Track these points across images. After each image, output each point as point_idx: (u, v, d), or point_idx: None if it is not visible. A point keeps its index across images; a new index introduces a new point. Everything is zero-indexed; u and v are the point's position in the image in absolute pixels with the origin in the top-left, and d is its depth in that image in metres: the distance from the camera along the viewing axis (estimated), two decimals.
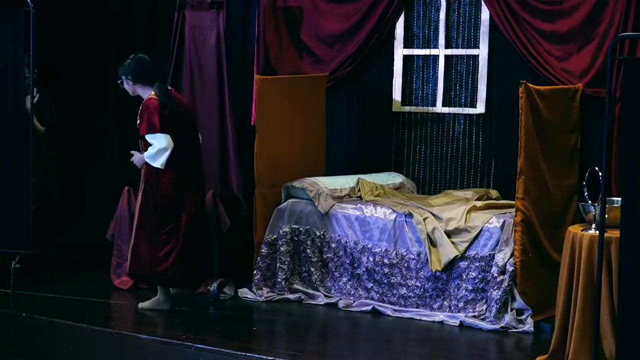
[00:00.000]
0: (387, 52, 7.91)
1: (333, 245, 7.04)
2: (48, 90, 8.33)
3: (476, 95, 7.59)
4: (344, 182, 7.36)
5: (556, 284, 5.58)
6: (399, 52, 7.87)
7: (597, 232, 5.13)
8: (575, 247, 5.34)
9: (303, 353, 5.91)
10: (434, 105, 7.79)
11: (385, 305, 6.80)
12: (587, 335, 5.20)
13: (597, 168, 5.41)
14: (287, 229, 7.18)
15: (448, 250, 6.55)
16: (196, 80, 7.90)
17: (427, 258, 6.62)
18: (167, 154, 6.59)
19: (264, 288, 7.18)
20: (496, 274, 6.38)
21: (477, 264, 6.50)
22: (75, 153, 9.04)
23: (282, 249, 7.17)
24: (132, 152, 6.77)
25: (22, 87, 7.20)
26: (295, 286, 7.18)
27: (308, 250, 7.14)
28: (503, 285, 6.35)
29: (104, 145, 8.90)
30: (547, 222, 6.56)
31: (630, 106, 4.79)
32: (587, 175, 5.45)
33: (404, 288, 6.76)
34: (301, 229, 7.16)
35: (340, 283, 7.03)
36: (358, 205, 7.05)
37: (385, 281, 6.82)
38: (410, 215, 6.77)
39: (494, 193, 7.33)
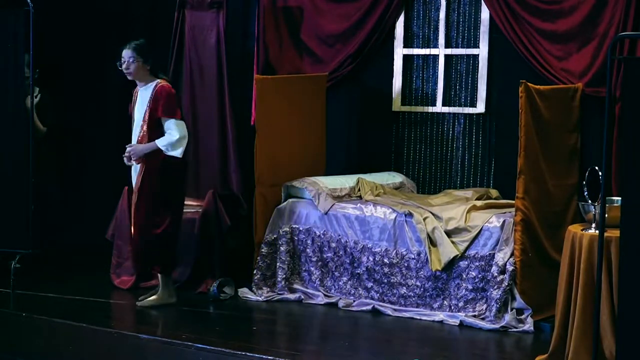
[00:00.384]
0: (387, 52, 7.91)
1: (333, 244, 7.04)
2: (48, 90, 8.32)
3: (476, 95, 7.59)
4: (344, 182, 7.36)
5: (556, 283, 5.58)
6: (399, 51, 7.88)
7: (597, 231, 5.13)
8: (575, 246, 5.34)
9: (303, 353, 5.91)
10: (433, 105, 7.79)
11: (385, 304, 6.80)
12: (587, 335, 5.20)
13: (597, 168, 5.41)
14: (287, 229, 7.18)
15: (448, 250, 6.55)
16: (196, 80, 7.90)
17: (427, 258, 6.62)
18: (186, 142, 6.62)
19: (264, 288, 7.18)
20: (496, 274, 6.39)
21: (477, 264, 6.51)
22: (75, 153, 9.04)
23: (282, 248, 7.17)
24: (128, 146, 6.70)
25: (22, 87, 7.20)
26: (295, 286, 7.18)
27: (308, 250, 7.14)
28: (503, 285, 6.35)
29: (104, 145, 8.89)
30: (547, 221, 6.56)
31: (630, 106, 4.79)
32: (587, 174, 5.45)
33: (404, 288, 6.76)
34: (301, 228, 7.16)
35: (340, 283, 7.03)
36: (358, 205, 7.05)
37: (385, 281, 6.82)
38: (410, 214, 6.77)
39: (494, 193, 7.33)
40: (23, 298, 7.05)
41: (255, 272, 7.20)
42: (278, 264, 7.18)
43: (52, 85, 8.48)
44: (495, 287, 6.38)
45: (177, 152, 6.65)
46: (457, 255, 6.54)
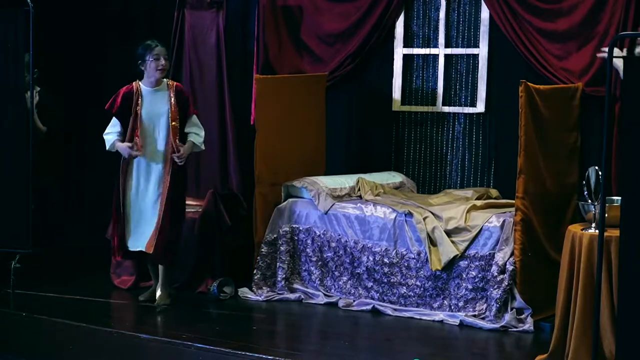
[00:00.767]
0: (387, 52, 7.91)
1: (333, 244, 7.04)
2: (48, 90, 8.32)
3: (476, 95, 7.60)
4: (344, 182, 7.36)
5: (556, 283, 5.58)
6: (399, 51, 7.87)
7: (597, 231, 5.13)
8: (575, 246, 5.34)
9: (303, 353, 5.91)
10: (434, 104, 7.79)
11: (385, 304, 6.79)
12: (587, 335, 5.20)
13: (596, 167, 5.41)
14: (287, 228, 7.18)
15: (448, 250, 6.55)
16: (196, 80, 7.91)
17: (427, 257, 6.62)
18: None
19: (264, 287, 7.18)
20: (496, 273, 6.38)
21: (477, 263, 6.50)
22: (75, 153, 9.04)
23: (282, 248, 7.17)
24: (175, 156, 6.74)
25: (22, 87, 7.20)
26: (295, 286, 7.18)
27: (308, 250, 7.14)
28: (503, 285, 6.35)
29: (104, 145, 8.88)
30: (547, 221, 6.56)
31: (630, 105, 4.78)
32: (586, 174, 5.45)
33: (404, 287, 6.75)
34: (301, 228, 7.16)
35: (340, 282, 7.03)
36: (358, 205, 7.05)
37: (385, 280, 6.82)
38: (410, 214, 6.77)
39: (493, 192, 7.33)
40: (23, 298, 7.05)
41: (255, 271, 7.20)
42: (278, 263, 7.18)
43: (52, 85, 8.48)
44: (495, 286, 6.38)
45: (203, 146, 7.01)
46: (457, 255, 6.54)
